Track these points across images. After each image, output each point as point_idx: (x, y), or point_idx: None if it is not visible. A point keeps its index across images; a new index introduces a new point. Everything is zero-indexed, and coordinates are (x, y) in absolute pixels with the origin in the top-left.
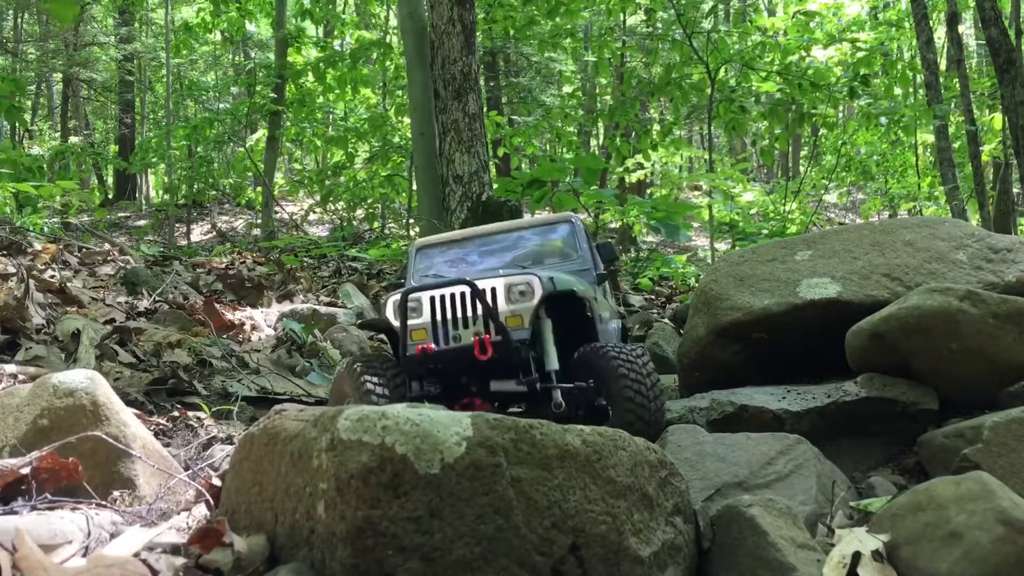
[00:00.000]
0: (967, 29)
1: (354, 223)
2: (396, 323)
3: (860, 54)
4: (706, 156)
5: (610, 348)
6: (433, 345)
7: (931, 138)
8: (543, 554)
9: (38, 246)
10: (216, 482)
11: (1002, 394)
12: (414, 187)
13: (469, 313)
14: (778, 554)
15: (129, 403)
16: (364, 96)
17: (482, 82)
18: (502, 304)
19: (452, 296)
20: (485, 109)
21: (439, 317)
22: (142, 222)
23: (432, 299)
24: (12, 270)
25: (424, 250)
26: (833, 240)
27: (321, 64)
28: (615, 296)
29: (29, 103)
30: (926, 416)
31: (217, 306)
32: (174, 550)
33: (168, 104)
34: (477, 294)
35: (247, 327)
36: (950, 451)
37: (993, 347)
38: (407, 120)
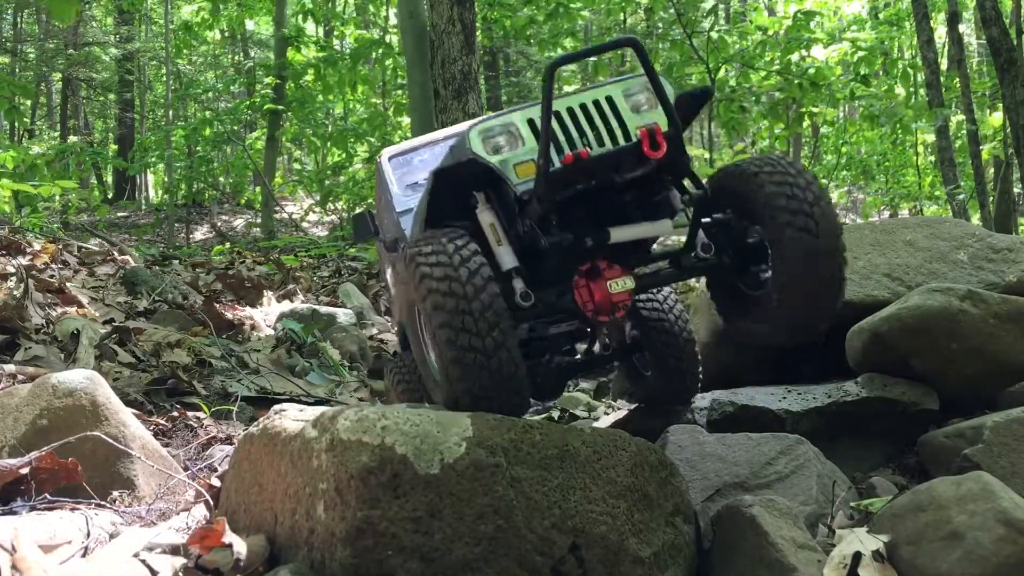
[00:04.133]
0: (968, 28)
1: None
2: (492, 157)
3: (860, 54)
4: (707, 155)
5: (764, 162)
6: (588, 150)
7: (932, 137)
8: (543, 554)
9: (37, 246)
10: (215, 482)
11: (1003, 394)
12: None
13: (601, 126)
14: (779, 554)
15: (128, 403)
16: (363, 95)
17: (482, 82)
18: (628, 116)
19: (570, 110)
20: (485, 109)
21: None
22: (142, 222)
23: (531, 121)
24: (11, 270)
25: (400, 157)
26: None
27: (321, 64)
28: None
29: (28, 103)
30: (927, 416)
31: (217, 306)
32: (173, 550)
33: (168, 104)
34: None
35: (247, 327)
36: (951, 451)
37: (994, 347)
38: (407, 120)
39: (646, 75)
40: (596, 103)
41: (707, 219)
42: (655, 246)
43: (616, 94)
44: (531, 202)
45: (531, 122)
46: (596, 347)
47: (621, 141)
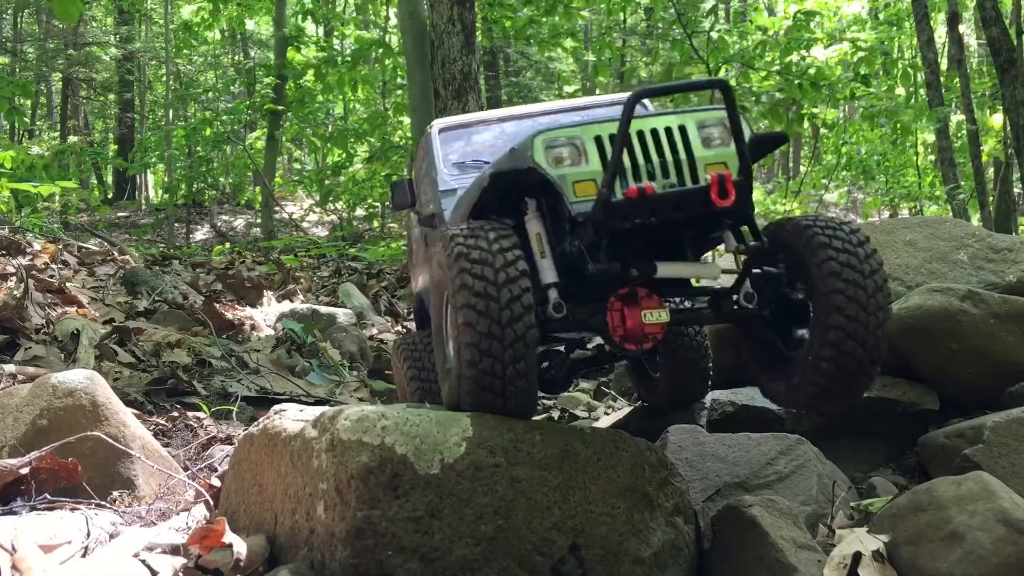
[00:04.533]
0: (968, 28)
1: (354, 223)
2: (552, 169)
3: (860, 54)
4: None
5: (816, 221)
6: (654, 185)
7: (932, 137)
8: (543, 554)
9: (37, 246)
10: (215, 482)
11: (1003, 394)
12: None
13: (668, 156)
14: (779, 554)
15: (128, 403)
16: (363, 95)
17: (482, 82)
18: (698, 149)
19: (640, 134)
20: (485, 109)
21: (628, 160)
22: (142, 222)
23: (599, 139)
24: (11, 270)
25: (451, 131)
26: None
27: (321, 64)
28: None
29: (28, 103)
30: (927, 416)
31: (217, 306)
32: (173, 550)
33: (168, 104)
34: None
35: (247, 327)
36: (951, 451)
37: (994, 347)
38: (407, 119)
39: (727, 114)
40: (668, 131)
41: (757, 270)
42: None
43: (690, 125)
44: (585, 225)
45: (599, 140)
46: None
47: (687, 176)
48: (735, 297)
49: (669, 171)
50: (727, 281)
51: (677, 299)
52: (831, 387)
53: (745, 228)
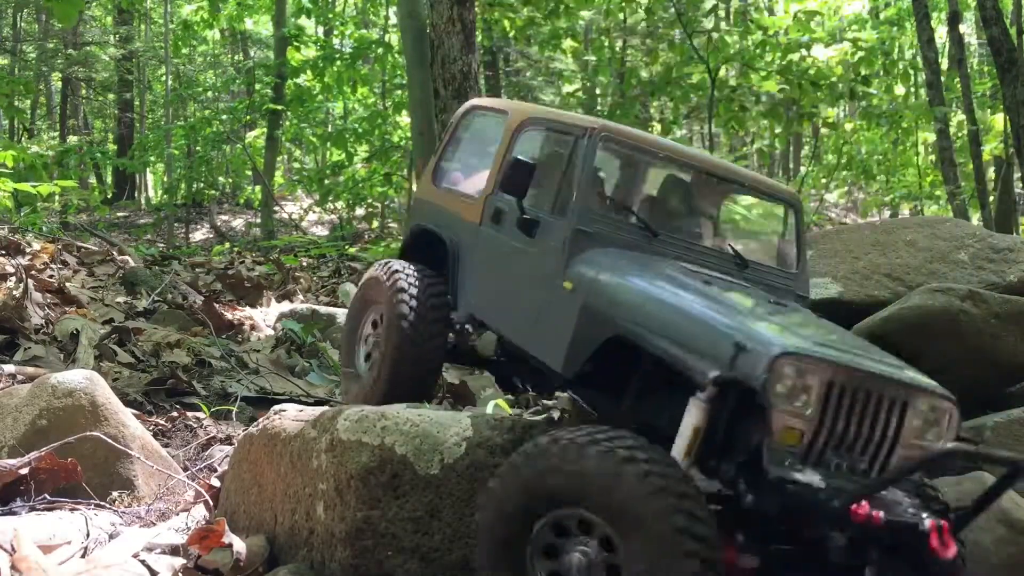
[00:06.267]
0: (968, 28)
1: (354, 223)
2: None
3: (860, 54)
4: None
5: None
6: (882, 514)
7: (932, 137)
8: None
9: (37, 246)
10: (215, 483)
11: (1003, 394)
12: (414, 186)
13: (877, 434)
14: None
15: (128, 403)
16: (362, 95)
17: (482, 82)
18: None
19: (867, 395)
20: None
21: (836, 423)
22: (142, 222)
23: (833, 387)
24: (11, 270)
25: (615, 146)
26: (834, 240)
27: (320, 62)
28: None
29: (28, 102)
30: None
31: (216, 306)
32: (173, 551)
33: (167, 103)
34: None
35: (246, 327)
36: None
37: (995, 347)
38: (406, 118)
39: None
40: (892, 403)
41: None
42: None
43: (921, 405)
44: (768, 489)
45: (830, 387)
46: None
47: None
48: None
49: (870, 454)
50: None
51: None
52: None
53: None
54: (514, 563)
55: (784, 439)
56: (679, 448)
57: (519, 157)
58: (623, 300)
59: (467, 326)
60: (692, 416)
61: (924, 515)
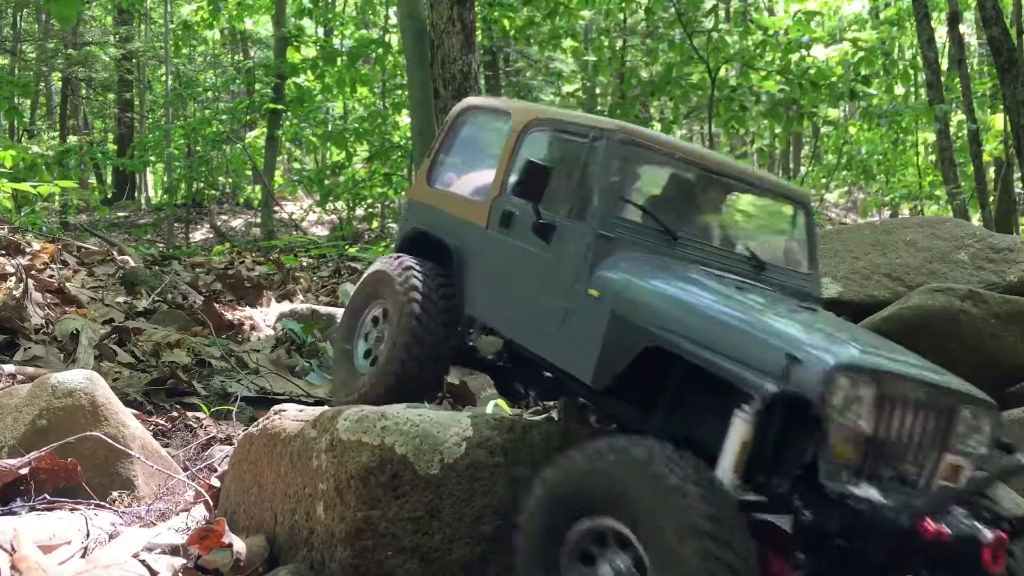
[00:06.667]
0: (968, 28)
1: (354, 223)
2: (864, 424)
3: (860, 54)
4: None
5: None
6: (949, 531)
7: (932, 137)
8: None
9: (37, 246)
10: (215, 483)
11: (1003, 394)
12: None
13: (927, 443)
14: None
15: (128, 403)
16: (362, 95)
17: (482, 82)
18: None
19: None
20: None
21: (889, 434)
22: (142, 222)
23: (885, 398)
24: (11, 270)
25: (636, 150)
26: (834, 240)
27: (319, 62)
28: None
29: (28, 102)
30: None
31: (216, 306)
32: (173, 551)
33: (168, 103)
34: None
35: (246, 327)
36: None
37: (994, 347)
38: (406, 118)
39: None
40: (940, 412)
41: None
42: None
43: (963, 411)
44: (829, 512)
45: (880, 401)
46: None
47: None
48: None
49: (925, 471)
50: None
51: None
52: None
53: None
54: (548, 555)
55: (841, 453)
56: (727, 464)
57: (535, 160)
58: (657, 308)
59: (470, 330)
60: (738, 431)
61: (982, 527)
